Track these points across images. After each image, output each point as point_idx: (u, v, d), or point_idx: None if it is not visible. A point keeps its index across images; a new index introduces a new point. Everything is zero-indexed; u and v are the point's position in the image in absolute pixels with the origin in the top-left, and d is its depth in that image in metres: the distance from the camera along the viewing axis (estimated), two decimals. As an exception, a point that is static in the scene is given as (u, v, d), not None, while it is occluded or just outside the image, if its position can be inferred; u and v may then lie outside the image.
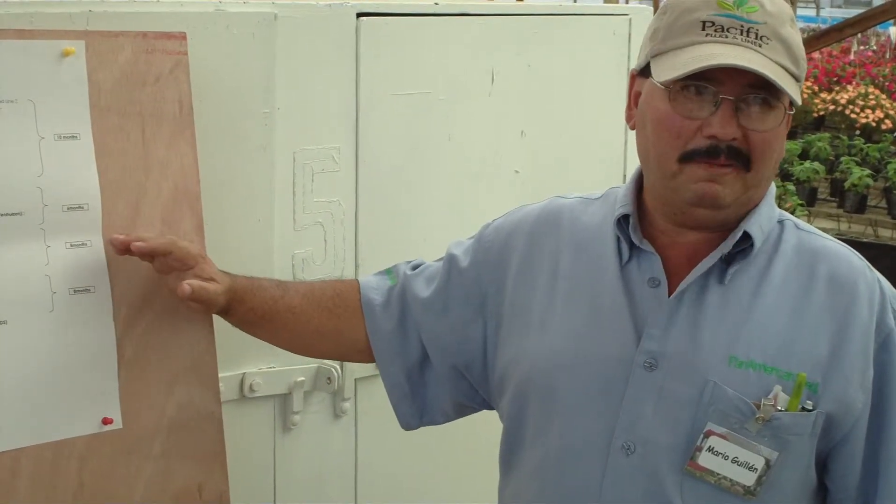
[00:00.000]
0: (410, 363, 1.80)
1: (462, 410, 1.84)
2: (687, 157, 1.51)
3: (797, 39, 1.53)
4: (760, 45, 1.49)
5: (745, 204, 1.56)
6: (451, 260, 1.80)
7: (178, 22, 1.90)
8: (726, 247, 1.55)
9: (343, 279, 1.88)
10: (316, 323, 1.82)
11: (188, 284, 1.70)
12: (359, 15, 2.21)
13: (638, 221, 1.62)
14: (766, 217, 1.59)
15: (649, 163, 1.57)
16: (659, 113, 1.53)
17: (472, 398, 1.80)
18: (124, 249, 1.74)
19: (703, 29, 1.50)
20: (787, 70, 1.50)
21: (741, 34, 1.49)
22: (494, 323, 1.73)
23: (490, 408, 1.80)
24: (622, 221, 1.62)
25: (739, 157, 1.50)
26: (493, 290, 1.74)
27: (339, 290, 1.84)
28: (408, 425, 1.85)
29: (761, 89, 1.49)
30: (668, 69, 1.51)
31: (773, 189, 1.62)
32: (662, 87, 1.52)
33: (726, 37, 1.49)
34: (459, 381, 1.79)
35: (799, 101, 1.52)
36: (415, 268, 1.85)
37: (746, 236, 1.56)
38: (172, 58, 1.85)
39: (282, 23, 2.10)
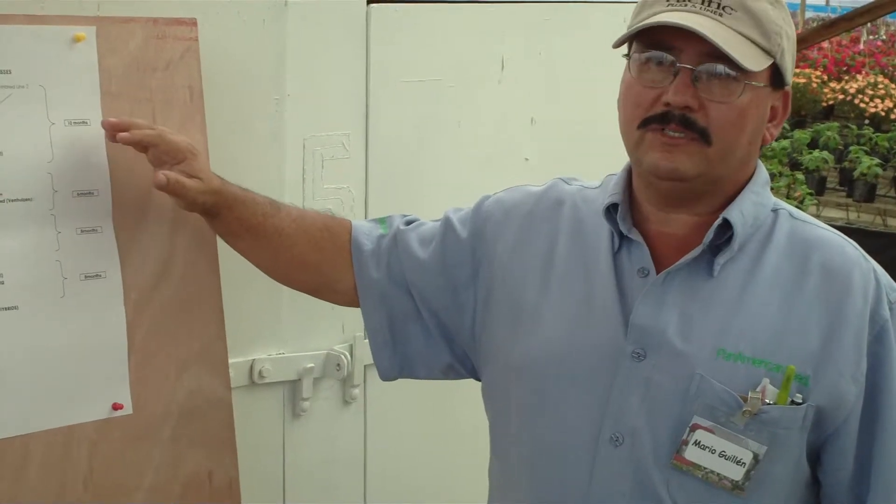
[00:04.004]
0: (395, 313, 1.79)
1: (449, 373, 1.82)
2: (644, 124, 1.52)
3: (771, 15, 1.51)
4: (721, 15, 1.48)
5: (714, 182, 1.54)
6: (447, 225, 1.79)
7: (189, 8, 1.90)
8: (709, 235, 1.54)
9: (335, 216, 1.87)
10: (299, 251, 1.80)
11: (164, 174, 1.68)
12: (369, 1, 2.20)
13: (629, 210, 1.61)
14: (752, 204, 1.57)
15: (623, 138, 1.58)
16: (625, 85, 1.56)
17: (464, 363, 1.79)
18: (113, 135, 1.73)
19: (668, 2, 1.52)
20: (752, 41, 1.49)
21: (701, 3, 1.49)
22: (484, 294, 1.72)
23: (478, 378, 1.79)
24: (611, 210, 1.61)
25: (693, 128, 1.49)
26: (486, 261, 1.73)
27: (329, 226, 1.82)
28: (385, 376, 1.83)
29: (721, 59, 1.47)
30: (626, 37, 1.54)
31: (763, 176, 1.61)
32: (630, 61, 1.54)
33: (686, 6, 1.50)
34: (453, 343, 1.78)
35: (756, 69, 1.49)
36: (408, 223, 1.84)
37: (730, 224, 1.54)
38: (183, 44, 1.85)
39: (292, 9, 2.10)
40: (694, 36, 1.46)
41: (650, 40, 1.51)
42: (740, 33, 1.48)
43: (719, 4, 1.49)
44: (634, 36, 1.54)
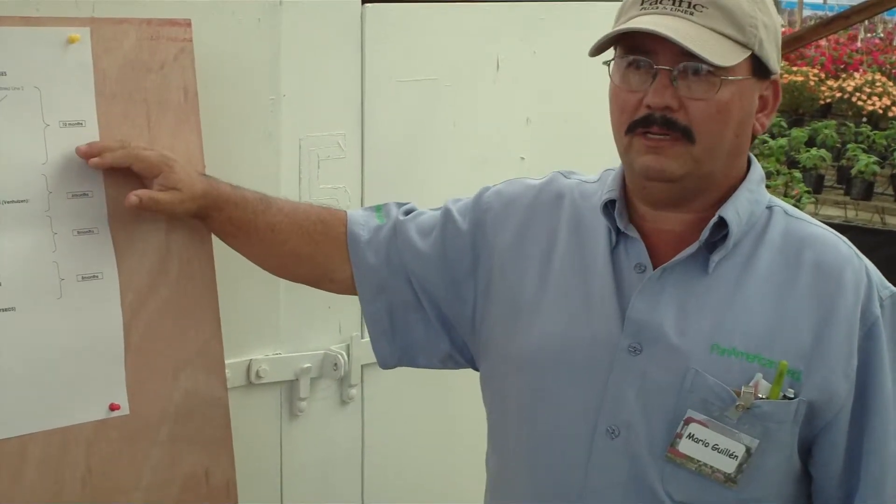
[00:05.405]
0: (395, 303, 1.80)
1: (448, 362, 1.83)
2: (630, 129, 1.54)
3: (745, 7, 1.51)
4: (692, 14, 1.50)
5: (705, 179, 1.55)
6: (447, 216, 1.80)
7: (183, 8, 1.90)
8: (705, 233, 1.55)
9: (330, 208, 1.88)
10: (292, 244, 1.81)
11: (135, 195, 1.71)
12: (364, 1, 2.21)
13: (625, 207, 1.62)
14: (747, 202, 1.58)
15: (615, 143, 1.59)
16: (611, 92, 1.58)
17: (463, 353, 1.80)
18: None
19: (641, 4, 1.54)
20: (726, 36, 1.50)
21: (672, 4, 1.51)
22: (484, 285, 1.73)
23: (476, 368, 1.80)
24: (608, 206, 1.62)
25: (675, 128, 1.51)
26: (485, 253, 1.74)
27: (323, 218, 1.83)
28: (385, 364, 1.84)
29: (696, 58, 1.48)
30: (600, 46, 1.56)
31: (758, 173, 1.62)
32: (612, 67, 1.56)
33: (657, 8, 1.51)
34: (453, 333, 1.79)
35: (730, 64, 1.49)
36: (407, 213, 1.85)
37: (725, 222, 1.55)
38: (177, 44, 1.86)
39: (287, 9, 2.10)
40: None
41: (628, 45, 1.53)
42: (713, 30, 1.49)
43: (690, 3, 1.50)
44: (614, 42, 1.55)
